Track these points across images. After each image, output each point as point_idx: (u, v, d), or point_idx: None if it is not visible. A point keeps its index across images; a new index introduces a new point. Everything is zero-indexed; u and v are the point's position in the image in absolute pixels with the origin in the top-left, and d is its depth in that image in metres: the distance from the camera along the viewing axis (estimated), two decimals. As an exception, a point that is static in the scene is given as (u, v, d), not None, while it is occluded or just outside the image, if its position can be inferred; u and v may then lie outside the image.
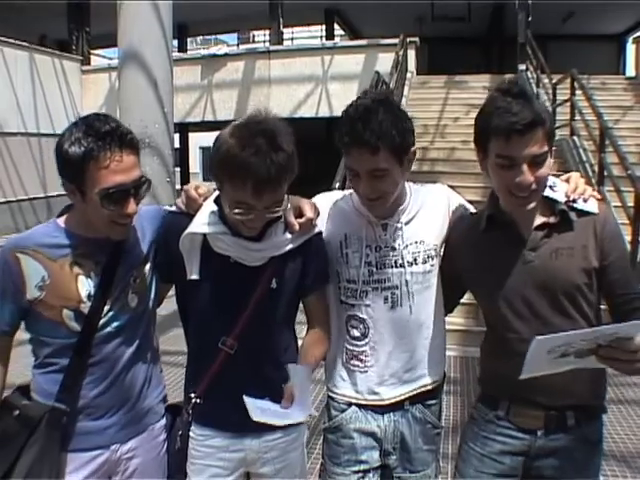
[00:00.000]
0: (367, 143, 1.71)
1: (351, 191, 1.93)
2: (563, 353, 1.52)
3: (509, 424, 1.87)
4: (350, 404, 1.97)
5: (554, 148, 1.77)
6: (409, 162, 1.84)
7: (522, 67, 12.95)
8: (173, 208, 1.94)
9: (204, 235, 1.80)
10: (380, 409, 1.96)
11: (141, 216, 1.85)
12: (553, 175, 1.83)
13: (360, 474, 1.95)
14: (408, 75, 12.93)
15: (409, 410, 1.96)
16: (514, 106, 1.66)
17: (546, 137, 1.70)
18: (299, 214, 1.85)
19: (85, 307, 1.74)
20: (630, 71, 12.98)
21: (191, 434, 1.90)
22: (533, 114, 1.66)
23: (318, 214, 1.90)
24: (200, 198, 1.86)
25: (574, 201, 1.80)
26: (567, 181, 1.87)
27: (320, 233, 1.92)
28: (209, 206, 1.84)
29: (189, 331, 1.95)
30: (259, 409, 1.73)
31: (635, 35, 14.01)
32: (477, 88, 12.96)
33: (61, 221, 1.81)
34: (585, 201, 1.81)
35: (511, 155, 1.68)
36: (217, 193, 1.83)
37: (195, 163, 30.06)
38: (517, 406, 1.85)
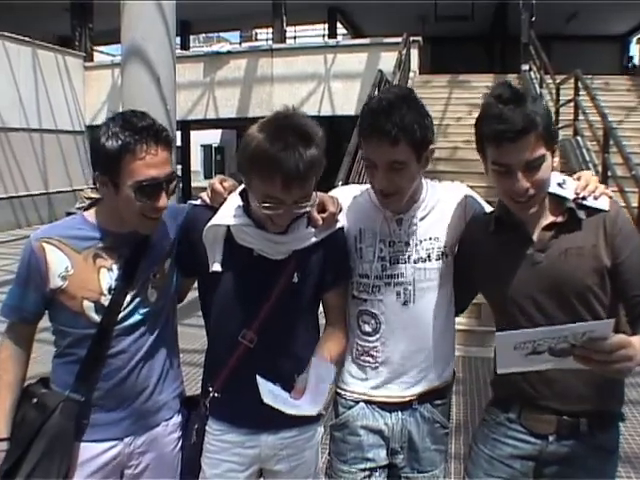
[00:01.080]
0: (388, 134, 1.71)
1: (369, 186, 1.93)
2: (533, 350, 1.48)
3: (520, 427, 1.83)
4: (358, 401, 1.96)
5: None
6: (426, 160, 1.83)
7: (525, 67, 12.96)
8: (198, 202, 1.95)
9: (228, 228, 1.80)
10: (388, 407, 1.94)
11: (165, 213, 1.87)
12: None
13: (367, 472, 1.93)
14: (411, 74, 12.90)
15: (417, 409, 1.94)
16: (505, 112, 1.63)
17: (541, 140, 1.66)
18: (322, 209, 1.85)
19: (106, 299, 1.78)
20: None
21: (207, 428, 1.91)
22: (524, 120, 1.62)
23: (340, 209, 1.90)
24: (225, 192, 1.88)
25: (584, 198, 1.76)
26: (578, 179, 1.83)
27: (342, 228, 1.91)
28: (234, 199, 1.85)
29: (209, 324, 1.94)
30: (271, 393, 1.70)
31: (639, 35, 13.93)
32: (480, 88, 12.92)
33: (87, 214, 1.85)
34: (596, 199, 1.76)
35: (504, 162, 1.67)
36: (242, 187, 1.84)
37: (196, 161, 30.07)
38: (529, 410, 1.82)
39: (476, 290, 2.02)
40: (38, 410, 1.79)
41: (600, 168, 7.44)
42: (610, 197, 1.79)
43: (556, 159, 1.74)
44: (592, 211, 1.76)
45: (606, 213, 1.75)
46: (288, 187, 1.64)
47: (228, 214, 1.81)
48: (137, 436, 1.87)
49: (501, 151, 1.66)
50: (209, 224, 1.80)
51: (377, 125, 1.73)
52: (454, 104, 11.58)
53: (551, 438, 1.79)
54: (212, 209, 1.86)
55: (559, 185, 1.78)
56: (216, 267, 1.82)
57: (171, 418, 1.95)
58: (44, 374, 1.91)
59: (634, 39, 17.19)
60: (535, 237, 1.78)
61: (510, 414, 1.85)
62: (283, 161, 1.61)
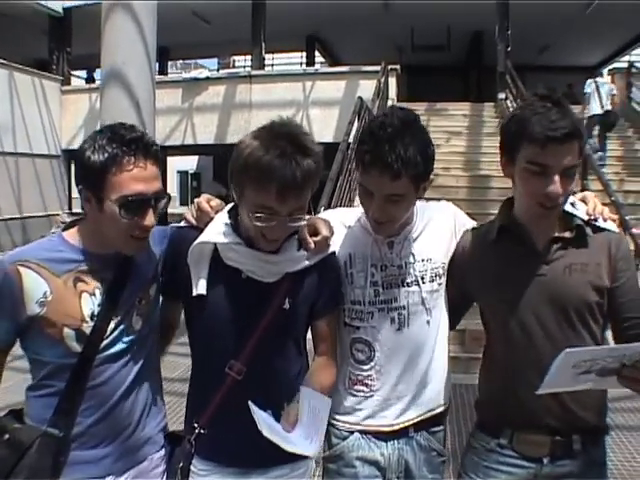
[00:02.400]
0: (390, 167, 1.64)
1: (357, 209, 1.88)
2: (587, 369, 1.48)
3: (513, 452, 1.79)
4: (352, 431, 1.88)
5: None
6: (424, 189, 1.78)
7: (502, 96, 13.17)
8: (181, 223, 1.86)
9: (215, 247, 1.71)
10: (384, 436, 1.87)
11: (150, 237, 1.76)
12: None
13: None
14: (389, 102, 13.03)
15: (414, 437, 1.88)
16: (553, 114, 1.63)
17: (579, 151, 1.67)
18: (314, 232, 1.77)
19: (88, 327, 1.64)
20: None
21: (192, 467, 1.77)
22: (572, 125, 1.63)
23: (333, 233, 1.82)
24: (212, 211, 1.79)
25: (595, 219, 1.79)
26: (583, 200, 1.85)
27: (334, 253, 1.84)
28: (222, 217, 1.76)
29: (193, 353, 1.83)
30: (266, 423, 1.61)
31: (611, 67, 14.37)
32: (457, 116, 13.15)
33: (67, 235, 1.71)
34: (605, 220, 1.80)
35: (545, 163, 1.64)
36: (230, 206, 1.77)
37: (172, 187, 29.98)
38: (521, 433, 1.78)
39: (471, 301, 1.99)
40: (10, 448, 1.62)
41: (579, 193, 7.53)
42: (614, 220, 1.83)
43: (577, 177, 1.74)
44: (598, 231, 1.78)
45: (611, 235, 1.78)
46: (283, 196, 1.56)
47: (216, 232, 1.72)
48: (119, 475, 1.72)
49: (545, 151, 1.63)
50: (195, 242, 1.71)
51: (379, 155, 1.65)
52: (432, 132, 11.27)
53: (545, 460, 1.76)
54: (197, 230, 1.76)
55: (572, 205, 1.80)
56: (201, 289, 1.70)
57: (156, 452, 1.82)
58: (17, 404, 1.75)
59: (605, 70, 17.68)
60: (541, 249, 1.77)
61: (501, 440, 1.81)
62: (279, 169, 1.53)
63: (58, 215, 11.58)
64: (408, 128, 1.69)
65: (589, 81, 11.14)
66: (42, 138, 15.19)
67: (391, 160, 1.63)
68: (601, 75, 12.29)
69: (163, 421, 1.88)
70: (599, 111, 10.85)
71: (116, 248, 1.68)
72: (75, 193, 17.42)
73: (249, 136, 1.63)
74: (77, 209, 17.17)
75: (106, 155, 1.57)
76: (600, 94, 10.88)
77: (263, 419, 1.62)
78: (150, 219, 1.63)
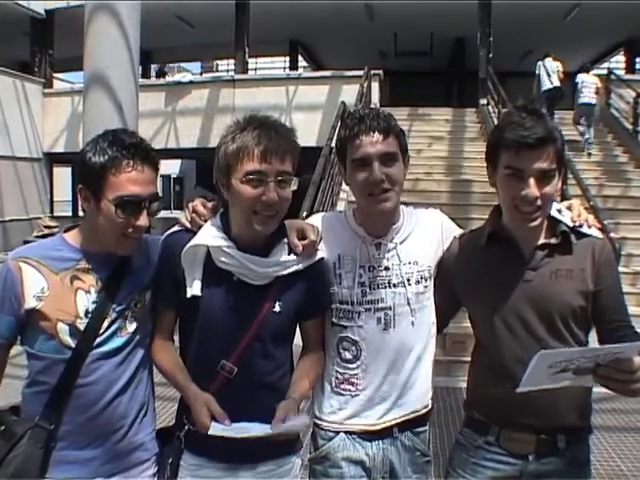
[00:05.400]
0: (380, 128, 1.81)
1: (345, 210, 1.94)
2: (563, 369, 1.52)
3: (500, 449, 1.85)
4: (338, 432, 1.92)
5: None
6: (405, 166, 1.89)
7: (483, 101, 13.29)
8: (175, 228, 1.90)
9: (208, 251, 1.76)
10: (368, 436, 1.91)
11: (149, 244, 1.85)
12: None
13: None
14: (372, 107, 13.07)
15: (398, 438, 1.92)
16: (527, 121, 1.70)
17: (556, 156, 1.73)
18: (302, 236, 1.84)
19: (82, 323, 1.71)
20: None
21: (182, 462, 1.81)
22: (545, 130, 1.70)
23: (321, 238, 1.89)
24: (208, 213, 1.85)
25: (580, 226, 1.85)
26: (568, 208, 1.91)
27: (323, 258, 1.90)
28: (214, 221, 1.82)
29: (186, 354, 1.86)
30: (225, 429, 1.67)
31: (601, 85, 14.54)
32: (439, 121, 13.23)
33: (67, 236, 1.81)
34: (589, 227, 1.86)
35: (520, 167, 1.71)
36: (222, 210, 1.83)
37: (155, 190, 29.73)
38: (508, 431, 1.83)
39: (458, 307, 2.04)
40: (4, 438, 1.70)
41: (559, 199, 7.63)
42: (598, 227, 1.89)
43: (559, 182, 1.79)
44: (582, 237, 1.84)
45: (595, 240, 1.84)
46: (266, 158, 1.68)
47: (208, 235, 1.77)
48: (107, 477, 1.75)
49: (519, 156, 1.71)
50: (188, 245, 1.76)
51: (366, 123, 1.82)
52: (414, 137, 11.76)
53: (531, 457, 1.82)
54: (191, 233, 1.81)
55: (558, 211, 1.86)
56: (195, 290, 1.75)
57: (147, 460, 1.84)
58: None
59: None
60: (528, 255, 1.82)
61: (489, 437, 1.86)
62: (260, 137, 1.69)
63: (40, 219, 11.51)
64: (378, 110, 1.89)
65: (538, 63, 12.67)
66: (24, 141, 15.04)
67: (378, 122, 1.82)
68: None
69: (154, 429, 1.91)
70: (549, 86, 12.30)
71: (109, 247, 1.74)
72: (57, 197, 17.21)
73: (227, 131, 1.76)
74: (59, 213, 17.07)
75: (106, 157, 1.67)
76: (548, 72, 12.37)
77: (222, 429, 1.66)
78: (144, 220, 1.72)
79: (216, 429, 1.65)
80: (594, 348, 1.57)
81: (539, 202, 1.72)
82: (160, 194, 1.81)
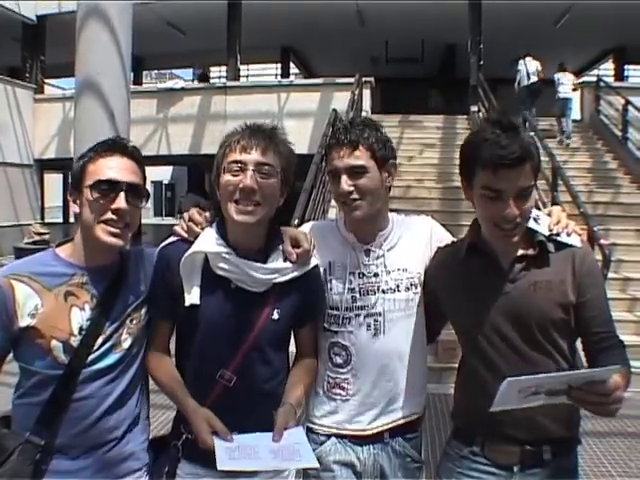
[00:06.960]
0: (347, 142, 1.87)
1: (336, 218, 1.98)
2: (534, 392, 1.51)
3: (485, 460, 1.83)
4: (329, 436, 1.93)
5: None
6: (389, 174, 1.91)
7: (474, 108, 13.33)
8: (170, 239, 1.89)
9: (205, 258, 1.76)
10: (359, 440, 1.92)
11: (144, 258, 1.84)
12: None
13: None
14: (363, 114, 13.07)
15: (389, 443, 1.93)
16: (503, 139, 1.65)
17: (533, 172, 1.70)
18: (295, 244, 1.85)
19: (75, 340, 1.69)
20: (575, 114, 13.62)
21: (178, 471, 1.80)
22: (522, 148, 1.65)
23: (314, 246, 1.89)
24: (204, 221, 1.85)
25: (557, 234, 1.80)
26: (549, 215, 1.87)
27: (317, 265, 1.91)
28: (211, 229, 1.82)
29: (185, 363, 1.85)
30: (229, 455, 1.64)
31: (579, 81, 14.65)
32: (430, 128, 13.27)
33: (59, 250, 1.78)
34: (568, 235, 1.80)
35: (499, 188, 1.67)
36: (218, 220, 1.83)
37: (147, 197, 29.66)
38: (492, 442, 1.82)
39: (445, 318, 2.03)
40: None
41: (549, 205, 7.68)
42: (579, 235, 1.83)
43: (536, 193, 1.77)
44: (561, 246, 1.79)
45: (575, 250, 1.79)
46: (245, 148, 1.74)
47: (206, 242, 1.77)
48: None
49: (497, 176, 1.66)
50: (187, 252, 1.76)
51: (338, 137, 1.89)
52: (405, 144, 11.81)
53: (515, 469, 1.80)
54: (187, 243, 1.81)
55: (534, 220, 1.80)
56: (194, 299, 1.75)
57: (138, 470, 1.82)
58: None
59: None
60: (506, 267, 1.80)
61: (474, 447, 1.85)
62: (244, 133, 1.78)
63: (30, 225, 11.45)
64: (361, 120, 1.95)
65: (520, 61, 13.57)
66: (14, 147, 14.98)
67: (348, 136, 1.88)
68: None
69: (148, 440, 1.90)
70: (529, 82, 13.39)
71: (94, 243, 1.71)
72: (48, 203, 17.10)
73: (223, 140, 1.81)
74: (50, 219, 16.97)
75: (88, 154, 1.72)
76: (528, 73, 13.34)
77: (230, 459, 1.64)
78: (120, 202, 1.69)
79: (224, 463, 1.61)
80: (564, 374, 1.55)
81: (518, 219, 1.69)
82: (150, 192, 1.82)
